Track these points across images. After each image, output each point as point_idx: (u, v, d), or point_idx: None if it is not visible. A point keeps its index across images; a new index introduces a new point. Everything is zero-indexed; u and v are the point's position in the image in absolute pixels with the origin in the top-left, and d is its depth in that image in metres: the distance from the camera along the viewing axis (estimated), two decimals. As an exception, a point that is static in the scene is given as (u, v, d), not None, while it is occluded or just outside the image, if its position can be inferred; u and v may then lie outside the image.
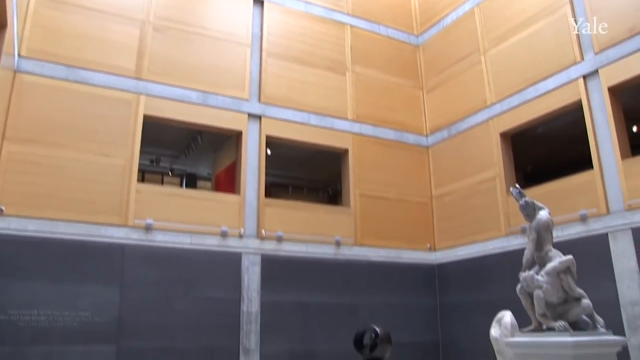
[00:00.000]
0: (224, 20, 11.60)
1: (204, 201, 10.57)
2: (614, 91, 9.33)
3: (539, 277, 5.98)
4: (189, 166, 16.26)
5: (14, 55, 8.82)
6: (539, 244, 6.27)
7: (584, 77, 9.70)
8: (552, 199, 8.84)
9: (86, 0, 10.14)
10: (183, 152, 14.61)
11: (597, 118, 9.44)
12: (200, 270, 9.83)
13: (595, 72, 9.54)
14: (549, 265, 6.03)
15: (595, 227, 9.11)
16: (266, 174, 11.36)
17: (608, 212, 9.00)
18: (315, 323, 10.59)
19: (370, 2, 13.71)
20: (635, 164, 8.83)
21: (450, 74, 12.90)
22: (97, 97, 9.82)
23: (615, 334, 6.05)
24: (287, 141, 11.86)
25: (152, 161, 15.25)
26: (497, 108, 11.38)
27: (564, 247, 6.55)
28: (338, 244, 11.32)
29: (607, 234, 8.90)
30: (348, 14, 13.22)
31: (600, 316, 6.02)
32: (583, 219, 9.27)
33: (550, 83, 10.30)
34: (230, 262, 10.18)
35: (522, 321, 6.61)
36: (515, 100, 10.99)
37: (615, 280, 8.58)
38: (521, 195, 6.61)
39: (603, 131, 9.32)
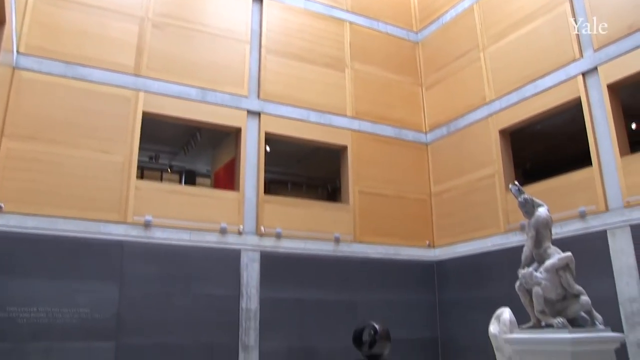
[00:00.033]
0: (223, 17, 11.58)
1: (203, 198, 10.57)
2: (613, 88, 9.33)
3: (538, 274, 6.00)
4: (188, 163, 16.27)
5: (12, 51, 8.81)
6: (538, 241, 6.28)
7: (583, 74, 9.70)
8: (551, 196, 8.86)
9: (85, -4, 10.14)
10: (182, 148, 14.61)
11: (596, 115, 9.45)
12: (200, 267, 9.84)
13: (594, 70, 9.54)
14: (548, 262, 6.04)
15: (594, 224, 9.12)
16: (265, 171, 11.36)
17: (607, 209, 9.01)
18: (314, 320, 10.60)
19: (369, -2, 13.72)
20: (634, 161, 8.84)
21: (449, 71, 12.89)
22: (96, 93, 9.81)
23: (613, 330, 6.08)
24: (286, 138, 11.85)
25: (151, 158, 15.25)
26: (496, 105, 11.38)
27: (562, 244, 6.55)
28: (337, 240, 11.32)
29: (605, 231, 8.91)
30: (347, 11, 13.21)
31: (599, 313, 6.04)
32: (582, 216, 9.28)
33: (549, 80, 10.30)
34: (230, 259, 10.19)
35: (521, 318, 6.63)
36: (514, 97, 10.99)
37: (613, 277, 8.59)
38: (520, 192, 6.62)
39: (602, 128, 9.33)
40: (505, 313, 7.57)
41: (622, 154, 9.01)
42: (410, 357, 10.90)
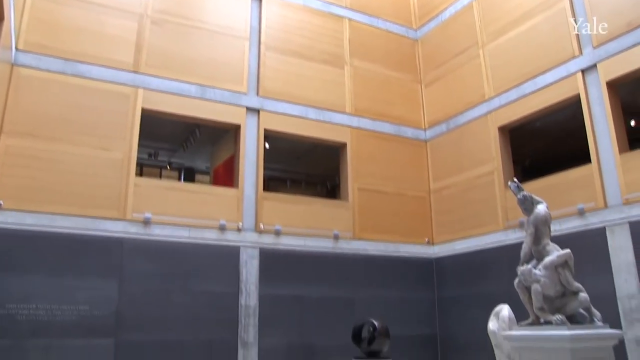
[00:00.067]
0: (222, 14, 11.56)
1: (202, 195, 10.57)
2: (612, 85, 9.33)
3: (537, 271, 6.01)
4: (187, 160, 16.26)
5: (11, 48, 8.79)
6: (537, 238, 6.29)
7: (583, 71, 9.69)
8: (550, 193, 8.87)
9: (83, -7, 10.12)
10: (181, 145, 14.60)
11: (595, 112, 9.45)
12: (199, 263, 9.84)
13: (593, 67, 9.53)
14: (547, 259, 6.05)
15: (592, 221, 9.14)
16: (264, 168, 11.35)
17: (606, 206, 9.02)
18: (314, 316, 10.62)
19: (368, -5, 13.70)
20: (633, 158, 8.84)
21: (448, 67, 12.89)
22: (95, 90, 9.79)
23: (612, 327, 6.09)
24: (285, 135, 11.84)
25: (150, 155, 15.25)
26: (496, 102, 11.38)
27: (561, 241, 6.57)
28: (336, 237, 11.33)
29: (604, 228, 8.92)
30: (346, 8, 13.18)
31: (598, 310, 6.05)
32: (581, 213, 9.29)
33: (548, 77, 10.30)
34: (229, 256, 10.19)
35: (520, 315, 6.64)
36: (513, 94, 10.99)
37: (612, 274, 8.61)
38: (519, 189, 6.63)
39: (601, 125, 9.33)
40: (504, 310, 7.59)
41: (621, 151, 9.02)
42: (409, 354, 10.91)
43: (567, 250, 6.08)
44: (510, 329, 6.80)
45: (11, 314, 8.17)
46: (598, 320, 5.94)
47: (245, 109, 11.19)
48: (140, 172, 14.67)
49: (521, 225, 9.90)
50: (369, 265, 11.47)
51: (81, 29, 9.93)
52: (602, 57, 9.39)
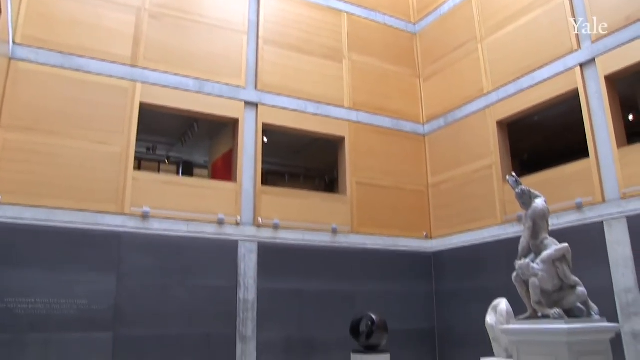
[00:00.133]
0: (221, 8, 11.53)
1: (201, 189, 10.57)
2: (610, 80, 9.32)
3: (535, 265, 6.03)
4: (186, 154, 16.25)
5: (8, 42, 8.76)
6: (535, 232, 6.31)
7: (581, 65, 9.69)
8: (548, 187, 8.88)
9: (81, -14, 10.07)
10: (179, 139, 14.58)
11: (593, 106, 9.45)
12: (197, 258, 9.85)
13: (592, 61, 9.52)
14: (545, 253, 6.08)
15: (590, 215, 9.15)
16: (263, 162, 11.33)
17: (603, 200, 9.04)
18: (312, 311, 10.64)
19: (367, -11, 13.66)
20: (631, 152, 8.85)
21: (447, 62, 12.87)
22: (93, 84, 9.76)
23: (609, 321, 6.12)
24: (283, 129, 11.83)
25: (148, 149, 15.22)
26: (494, 96, 11.38)
27: (559, 235, 6.59)
28: (334, 231, 11.35)
29: (602, 222, 8.93)
30: (345, 1, 13.14)
31: (595, 303, 6.08)
32: (579, 207, 9.30)
33: (546, 71, 10.29)
34: (227, 250, 10.20)
35: (518, 309, 6.68)
36: (511, 88, 10.98)
37: (609, 268, 8.63)
38: (517, 183, 6.65)
39: (599, 120, 9.33)
40: (502, 304, 7.63)
41: (619, 145, 9.01)
42: (407, 348, 10.97)
43: (565, 244, 6.11)
44: (508, 322, 6.84)
45: (10, 308, 8.17)
46: (595, 314, 5.97)
47: (243, 103, 11.17)
48: (138, 166, 14.67)
49: (519, 220, 9.91)
50: (367, 259, 11.49)
51: (79, 22, 9.89)
52: (600, 52, 9.37)
